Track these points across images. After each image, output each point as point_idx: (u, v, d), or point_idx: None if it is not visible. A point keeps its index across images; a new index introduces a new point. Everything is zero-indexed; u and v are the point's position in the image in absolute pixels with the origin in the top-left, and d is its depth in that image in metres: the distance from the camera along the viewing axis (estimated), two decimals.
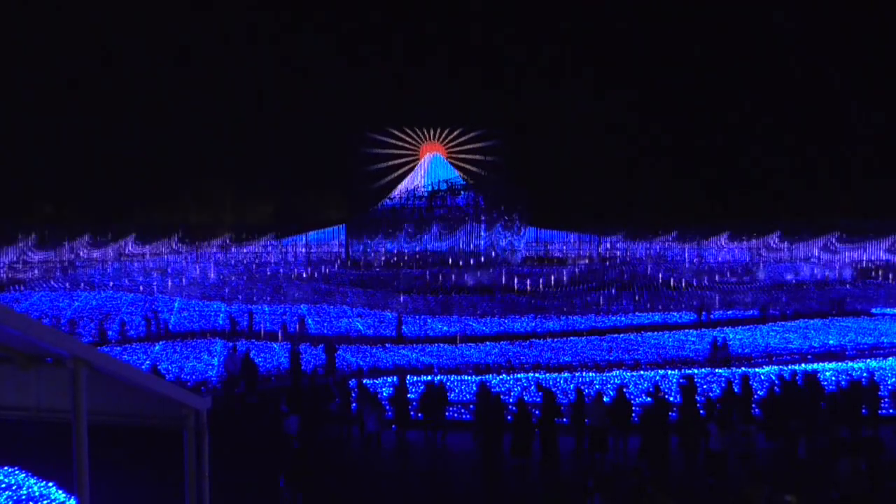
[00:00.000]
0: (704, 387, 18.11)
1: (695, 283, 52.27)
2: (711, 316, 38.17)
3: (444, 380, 18.42)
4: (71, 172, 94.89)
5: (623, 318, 39.41)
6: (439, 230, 62.76)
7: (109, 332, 30.67)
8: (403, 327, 33.51)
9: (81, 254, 66.83)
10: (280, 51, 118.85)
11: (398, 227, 64.14)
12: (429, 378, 19.43)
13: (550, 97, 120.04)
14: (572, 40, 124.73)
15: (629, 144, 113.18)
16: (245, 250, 76.96)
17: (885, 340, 29.93)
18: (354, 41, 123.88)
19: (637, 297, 46.55)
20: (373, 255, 63.89)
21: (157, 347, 28.11)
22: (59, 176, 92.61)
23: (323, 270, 59.97)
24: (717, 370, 21.78)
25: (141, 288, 50.72)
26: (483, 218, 62.91)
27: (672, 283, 54.42)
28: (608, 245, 76.80)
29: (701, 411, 15.47)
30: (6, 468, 11.44)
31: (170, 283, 53.43)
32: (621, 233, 77.84)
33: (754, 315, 39.89)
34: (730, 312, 42.03)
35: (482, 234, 62.62)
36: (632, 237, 77.88)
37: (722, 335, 29.71)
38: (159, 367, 20.91)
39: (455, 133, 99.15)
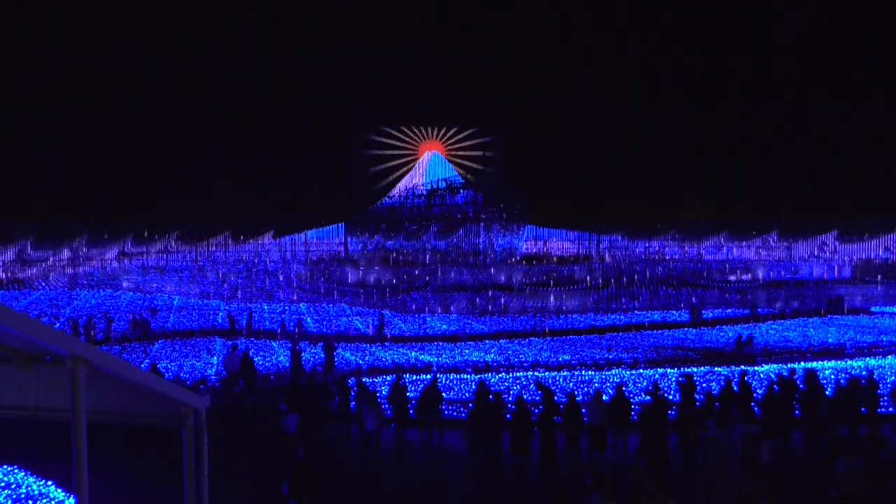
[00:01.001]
0: (704, 385, 18.13)
1: (691, 282, 52.27)
2: (702, 315, 38.15)
3: (444, 378, 18.42)
4: (69, 172, 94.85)
5: (622, 317, 39.45)
6: (438, 229, 62.70)
7: (100, 334, 30.47)
8: (402, 326, 33.50)
9: (82, 253, 66.67)
10: (280, 50, 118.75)
11: (397, 226, 64.10)
12: (428, 377, 19.43)
13: (550, 96, 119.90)
14: (573, 38, 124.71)
15: (629, 143, 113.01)
16: (244, 249, 76.92)
17: (885, 339, 29.97)
18: (355, 40, 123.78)
19: (636, 296, 46.58)
20: (372, 253, 63.87)
21: (156, 346, 28.09)
22: (57, 176, 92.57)
23: (322, 269, 59.98)
24: (716, 368, 21.80)
25: (140, 287, 50.71)
26: (482, 216, 62.82)
27: (670, 281, 54.44)
28: (608, 243, 76.75)
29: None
30: (5, 467, 11.44)
31: (169, 282, 53.42)
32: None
33: (746, 314, 39.92)
34: (728, 311, 42.05)
35: (481, 232, 62.53)
36: (637, 236, 77.84)
37: (748, 331, 29.75)
38: (158, 366, 20.90)
39: (454, 131, 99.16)
